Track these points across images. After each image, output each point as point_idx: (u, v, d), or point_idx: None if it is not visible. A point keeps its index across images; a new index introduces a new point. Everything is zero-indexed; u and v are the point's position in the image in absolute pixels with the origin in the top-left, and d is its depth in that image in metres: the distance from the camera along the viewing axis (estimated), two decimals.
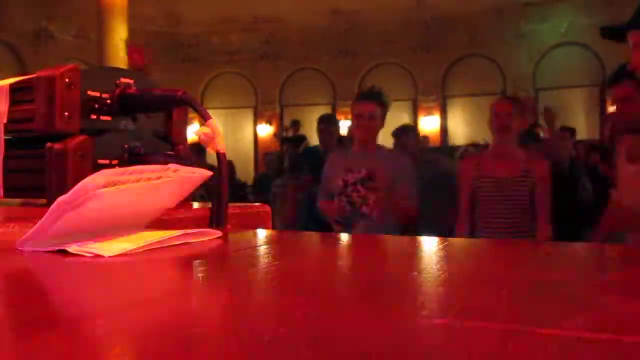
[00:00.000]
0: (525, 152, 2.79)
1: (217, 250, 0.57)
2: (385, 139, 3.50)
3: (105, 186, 0.47)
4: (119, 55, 7.87)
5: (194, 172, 0.60)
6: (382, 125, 2.87)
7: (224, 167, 0.76)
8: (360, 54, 11.90)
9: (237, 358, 0.22)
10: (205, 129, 0.74)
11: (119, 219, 0.54)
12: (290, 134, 9.69)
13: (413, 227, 3.37)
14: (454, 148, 7.03)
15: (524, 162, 2.63)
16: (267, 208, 0.92)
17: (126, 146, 0.80)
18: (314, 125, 4.23)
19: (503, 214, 2.59)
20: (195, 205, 0.87)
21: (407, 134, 4.15)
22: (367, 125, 2.80)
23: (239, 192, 6.89)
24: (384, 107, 2.85)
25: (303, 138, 8.65)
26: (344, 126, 7.88)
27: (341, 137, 4.25)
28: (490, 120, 2.66)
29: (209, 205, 0.76)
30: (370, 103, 2.81)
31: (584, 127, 10.60)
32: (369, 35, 11.68)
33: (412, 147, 3.93)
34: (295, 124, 10.00)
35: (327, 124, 4.04)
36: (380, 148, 2.97)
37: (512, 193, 2.59)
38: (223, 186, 0.75)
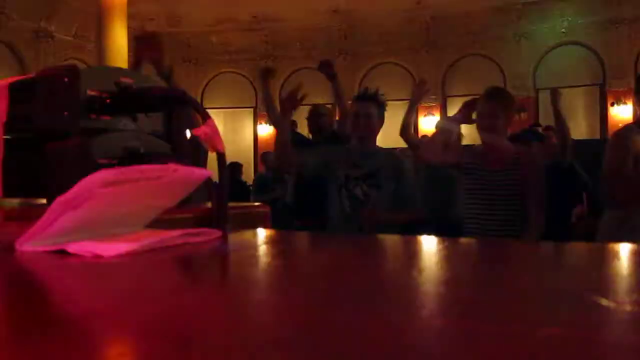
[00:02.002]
0: (513, 145, 2.79)
1: (217, 250, 0.57)
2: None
3: (105, 186, 0.47)
4: (119, 55, 7.87)
5: (194, 172, 0.60)
6: (380, 124, 2.91)
7: (224, 167, 0.75)
8: (360, 54, 11.90)
9: (236, 358, 0.22)
10: (205, 129, 0.74)
11: (119, 219, 0.54)
12: None
13: (414, 226, 3.38)
14: None
15: (513, 154, 2.63)
16: (267, 208, 0.92)
17: (126, 146, 0.80)
18: None
19: (490, 208, 2.58)
20: (195, 205, 0.87)
21: None
22: (365, 124, 2.84)
23: (241, 192, 6.92)
24: (381, 106, 2.90)
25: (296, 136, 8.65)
26: None
27: (335, 132, 4.26)
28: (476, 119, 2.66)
29: (209, 205, 0.76)
30: (368, 103, 2.86)
31: (584, 127, 10.61)
32: (369, 35, 11.68)
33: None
34: (292, 124, 9.99)
35: (314, 116, 4.06)
36: (380, 147, 3.00)
37: (501, 185, 2.58)
38: (223, 186, 0.75)
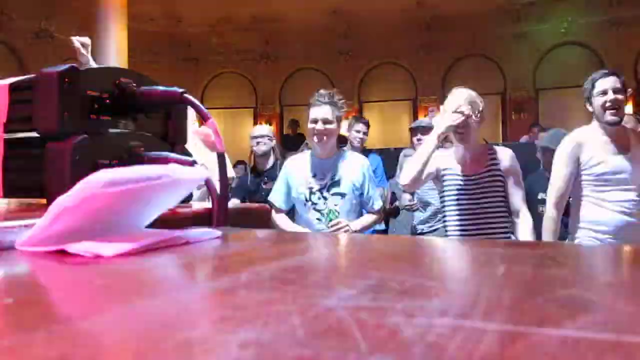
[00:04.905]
0: (487, 145, 2.78)
1: (217, 250, 0.57)
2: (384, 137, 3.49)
3: (105, 186, 0.47)
4: (119, 55, 7.87)
5: (194, 172, 0.60)
6: (338, 129, 2.83)
7: (224, 167, 0.76)
8: (360, 54, 11.91)
9: (237, 358, 0.22)
10: (205, 129, 0.74)
11: (119, 219, 0.54)
12: (289, 133, 9.71)
13: (384, 229, 3.32)
14: None
15: (489, 155, 2.61)
16: (267, 208, 0.92)
17: (126, 146, 0.80)
18: None
19: (474, 212, 2.56)
20: (195, 205, 0.88)
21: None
22: (323, 130, 2.75)
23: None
24: (339, 110, 2.80)
25: (301, 138, 8.64)
26: (343, 127, 7.83)
27: (340, 137, 4.26)
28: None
29: (209, 205, 0.76)
30: (325, 107, 2.76)
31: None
32: (369, 35, 11.69)
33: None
34: (294, 123, 10.00)
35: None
36: (341, 151, 2.92)
37: (483, 187, 2.56)
38: (223, 186, 0.75)
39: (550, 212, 2.69)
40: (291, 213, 2.95)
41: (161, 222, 0.60)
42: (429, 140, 2.53)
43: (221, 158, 0.77)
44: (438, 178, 2.63)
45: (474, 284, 0.40)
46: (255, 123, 12.63)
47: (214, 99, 12.17)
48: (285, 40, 12.04)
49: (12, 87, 0.79)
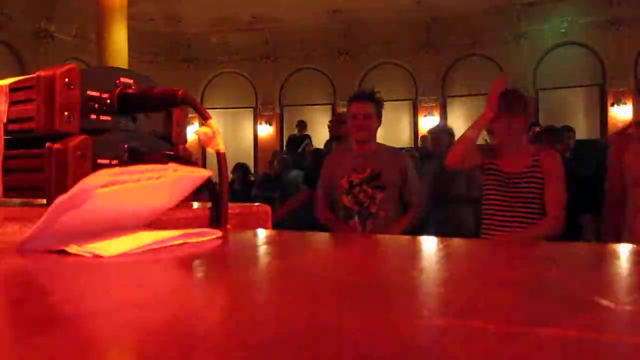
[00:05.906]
0: (534, 146, 2.71)
1: (217, 250, 0.57)
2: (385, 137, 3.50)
3: (105, 186, 0.47)
4: (119, 55, 7.87)
5: (194, 172, 0.60)
6: (379, 123, 2.89)
7: (224, 167, 0.76)
8: (360, 54, 11.90)
9: (237, 358, 0.22)
10: (205, 129, 0.74)
11: (119, 219, 0.54)
12: (295, 133, 9.71)
13: (422, 226, 3.36)
14: None
15: (533, 156, 2.55)
16: (267, 208, 0.92)
17: (126, 146, 0.80)
18: (314, 125, 4.27)
19: (509, 210, 2.52)
20: (195, 205, 0.87)
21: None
22: (363, 125, 2.81)
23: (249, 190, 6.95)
24: (378, 106, 2.87)
25: (304, 138, 8.60)
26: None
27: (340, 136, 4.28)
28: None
29: (209, 205, 0.76)
30: (365, 103, 2.83)
31: (584, 127, 10.60)
32: (369, 35, 11.68)
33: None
34: (302, 124, 9.98)
35: (337, 122, 4.08)
36: (381, 146, 2.97)
37: (520, 188, 2.52)
38: (223, 186, 0.75)
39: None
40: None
41: (161, 222, 0.60)
42: (477, 119, 2.57)
43: (221, 158, 0.77)
44: (482, 170, 2.62)
45: (474, 284, 0.40)
46: (255, 123, 12.63)
47: (214, 99, 12.17)
48: (285, 40, 12.03)
49: (12, 87, 0.79)
